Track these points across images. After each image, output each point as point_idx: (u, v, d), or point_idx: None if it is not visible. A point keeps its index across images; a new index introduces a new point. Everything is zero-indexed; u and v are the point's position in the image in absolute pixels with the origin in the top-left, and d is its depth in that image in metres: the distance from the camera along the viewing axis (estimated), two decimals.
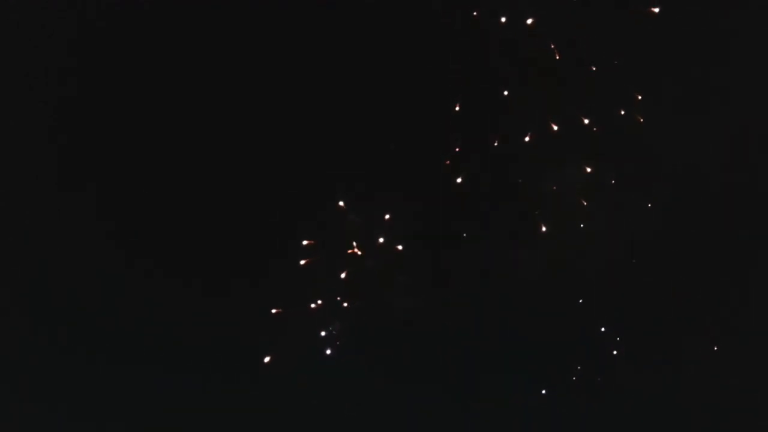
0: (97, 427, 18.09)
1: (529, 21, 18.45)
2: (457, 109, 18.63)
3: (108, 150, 18.81)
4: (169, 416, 18.08)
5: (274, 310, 18.23)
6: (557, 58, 18.46)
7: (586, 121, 18.63)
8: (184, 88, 18.68)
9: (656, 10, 18.32)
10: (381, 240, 18.44)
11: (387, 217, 18.45)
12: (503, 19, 18.36)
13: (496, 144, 18.65)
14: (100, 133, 18.84)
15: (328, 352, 18.34)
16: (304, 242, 18.33)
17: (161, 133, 18.79)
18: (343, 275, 18.41)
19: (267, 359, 18.12)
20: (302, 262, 18.25)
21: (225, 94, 18.66)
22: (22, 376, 18.11)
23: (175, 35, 18.69)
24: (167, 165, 18.76)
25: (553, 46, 18.43)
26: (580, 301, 18.72)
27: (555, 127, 18.56)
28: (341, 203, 18.41)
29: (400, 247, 18.42)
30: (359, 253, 18.47)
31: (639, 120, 18.61)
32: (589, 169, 18.71)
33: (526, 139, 18.57)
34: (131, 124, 18.82)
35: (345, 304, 18.40)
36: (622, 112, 18.62)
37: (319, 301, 18.37)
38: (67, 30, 18.64)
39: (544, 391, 18.54)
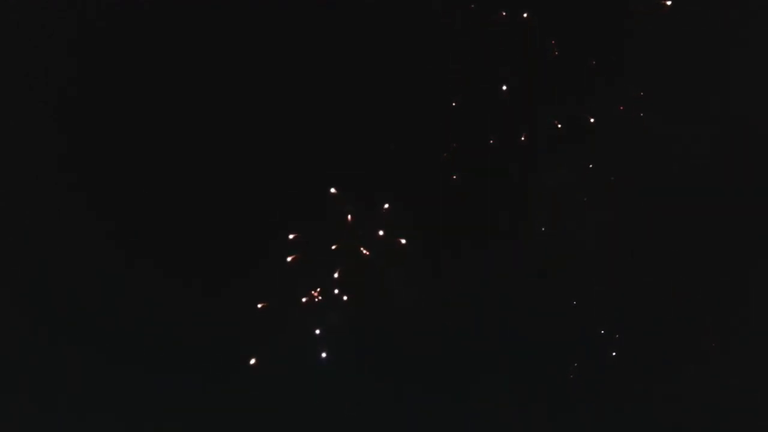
0: (96, 426, 18.06)
1: (530, 20, 18.52)
2: (457, 108, 18.67)
3: (108, 150, 18.82)
4: (169, 416, 18.06)
5: (260, 305, 18.19)
6: (556, 53, 18.51)
7: (585, 119, 18.67)
8: (184, 88, 18.69)
9: (669, 2, 18.39)
10: (380, 233, 18.45)
11: (386, 215, 18.45)
12: (503, 14, 18.40)
13: (495, 143, 18.68)
14: (100, 133, 18.86)
15: (326, 350, 18.30)
16: (290, 236, 18.31)
17: (161, 134, 18.81)
18: (341, 271, 18.39)
19: (252, 361, 18.09)
20: (289, 258, 18.25)
21: (225, 95, 18.68)
22: (22, 376, 18.05)
23: (175, 35, 18.71)
24: (167, 165, 18.77)
25: (553, 42, 18.48)
26: (579, 300, 18.67)
27: (555, 126, 18.60)
28: (341, 201, 18.39)
29: (403, 241, 18.38)
30: (360, 251, 18.48)
31: (638, 118, 18.66)
32: (588, 168, 18.74)
33: (526, 137, 18.59)
34: (131, 125, 18.84)
35: (345, 298, 18.39)
36: (622, 108, 18.67)
37: (318, 297, 18.35)
38: (67, 30, 18.66)
39: (543, 391, 18.49)
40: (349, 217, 18.39)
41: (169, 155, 18.69)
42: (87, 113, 18.80)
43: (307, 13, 18.64)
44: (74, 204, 18.43)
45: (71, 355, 18.16)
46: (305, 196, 18.38)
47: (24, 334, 18.13)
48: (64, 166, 18.62)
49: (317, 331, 18.30)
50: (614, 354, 18.63)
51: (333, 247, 18.39)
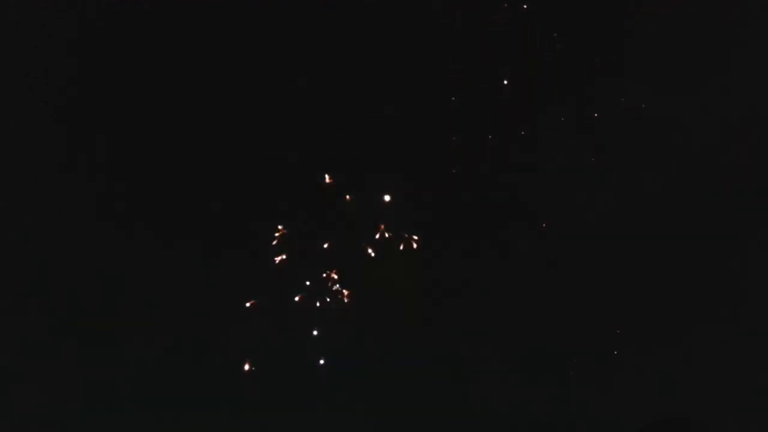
0: (95, 425, 18.03)
1: (530, 20, 18.61)
2: (457, 107, 18.72)
3: (108, 150, 18.84)
4: (169, 415, 18.02)
5: (248, 303, 18.16)
6: (556, 51, 18.59)
7: (587, 117, 18.73)
8: (184, 88, 18.76)
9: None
10: (381, 228, 18.45)
11: (386, 210, 18.48)
12: (505, 6, 18.50)
13: (496, 141, 18.73)
14: (100, 133, 18.87)
15: (324, 354, 18.26)
16: (277, 233, 18.30)
17: (161, 133, 18.84)
18: (338, 269, 18.39)
19: (246, 367, 18.04)
20: (277, 259, 18.24)
21: (227, 95, 18.73)
22: (22, 375, 18.03)
23: (175, 35, 18.77)
24: (168, 165, 18.80)
25: (555, 35, 18.56)
26: (580, 297, 18.66)
27: (556, 124, 18.64)
28: (339, 196, 18.43)
29: (416, 237, 18.39)
30: (359, 247, 18.48)
31: (639, 118, 18.71)
32: (588, 168, 18.77)
33: (527, 136, 18.65)
34: (131, 125, 18.87)
35: (343, 299, 18.37)
36: (622, 107, 18.73)
37: (316, 298, 18.34)
38: (67, 30, 18.70)
39: (541, 389, 18.45)
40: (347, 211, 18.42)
41: (170, 155, 18.73)
42: (87, 113, 18.82)
43: (307, 13, 18.68)
44: (74, 204, 18.45)
45: (71, 354, 18.12)
46: (304, 196, 18.43)
47: (24, 334, 18.11)
48: (64, 167, 18.63)
49: (314, 332, 18.28)
50: (614, 353, 18.64)
51: (326, 245, 18.37)
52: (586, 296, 18.55)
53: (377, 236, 18.30)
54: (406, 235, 18.34)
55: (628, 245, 18.58)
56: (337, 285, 18.27)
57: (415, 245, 18.35)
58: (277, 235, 18.27)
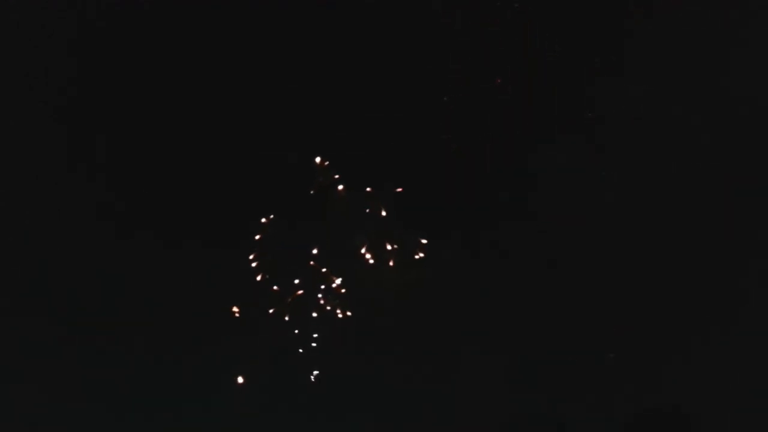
0: (96, 425, 18.05)
1: (530, 20, 18.62)
2: (456, 108, 18.73)
3: (108, 150, 18.85)
4: (169, 415, 18.04)
5: (236, 309, 18.12)
6: (558, 49, 18.60)
7: (587, 117, 18.73)
8: (184, 88, 18.75)
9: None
10: (374, 234, 18.47)
11: (384, 213, 18.50)
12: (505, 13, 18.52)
13: (495, 141, 18.74)
14: (100, 133, 18.89)
15: (317, 366, 18.25)
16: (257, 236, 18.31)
17: (161, 134, 18.84)
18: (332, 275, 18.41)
19: (240, 380, 18.02)
20: (253, 264, 18.22)
21: (227, 95, 18.72)
22: (21, 375, 18.04)
23: (175, 35, 18.78)
24: (168, 165, 18.80)
25: (555, 34, 18.58)
26: (579, 297, 18.65)
27: (555, 124, 18.65)
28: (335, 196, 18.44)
29: (424, 241, 18.36)
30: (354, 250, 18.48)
31: (638, 118, 18.71)
32: (588, 167, 18.77)
33: (526, 136, 18.66)
34: (131, 125, 18.88)
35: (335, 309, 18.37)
36: (622, 108, 18.72)
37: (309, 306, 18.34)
38: (67, 30, 18.72)
39: (540, 388, 18.45)
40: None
41: (170, 155, 18.73)
42: (87, 113, 18.83)
43: (307, 12, 18.70)
44: (74, 204, 18.46)
45: (71, 355, 18.14)
46: (302, 196, 18.44)
47: (24, 334, 18.13)
48: (63, 166, 18.65)
49: (311, 344, 18.26)
50: (612, 355, 18.62)
51: (322, 247, 18.37)
52: (585, 296, 18.57)
53: (374, 237, 18.38)
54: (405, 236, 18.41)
55: (627, 245, 18.60)
56: (333, 286, 18.33)
57: (419, 251, 18.40)
58: (257, 238, 18.31)
